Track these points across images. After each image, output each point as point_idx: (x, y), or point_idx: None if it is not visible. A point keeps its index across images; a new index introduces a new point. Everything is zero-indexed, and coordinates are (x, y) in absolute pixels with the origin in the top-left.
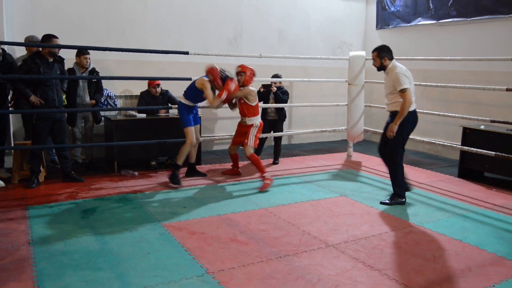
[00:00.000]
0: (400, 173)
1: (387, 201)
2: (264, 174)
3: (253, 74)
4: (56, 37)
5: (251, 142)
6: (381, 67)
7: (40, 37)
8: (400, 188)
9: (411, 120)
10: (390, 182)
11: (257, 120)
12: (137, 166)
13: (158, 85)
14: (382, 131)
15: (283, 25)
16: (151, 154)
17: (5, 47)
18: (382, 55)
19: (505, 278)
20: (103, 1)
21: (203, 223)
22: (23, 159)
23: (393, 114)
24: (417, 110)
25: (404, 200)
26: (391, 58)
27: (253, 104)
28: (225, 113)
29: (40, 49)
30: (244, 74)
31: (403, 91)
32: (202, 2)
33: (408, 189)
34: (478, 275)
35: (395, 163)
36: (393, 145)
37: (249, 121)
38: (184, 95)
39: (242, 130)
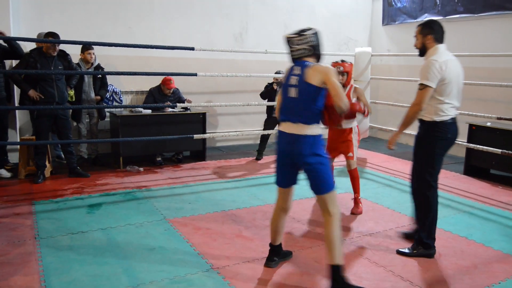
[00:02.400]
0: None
1: (406, 251)
2: (360, 196)
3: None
4: (52, 36)
5: (356, 154)
6: (422, 50)
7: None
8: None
9: (443, 133)
10: (396, 179)
11: (354, 122)
12: (143, 162)
13: (173, 88)
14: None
15: (288, 20)
16: (156, 150)
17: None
18: (426, 31)
19: (511, 275)
20: None
21: (208, 218)
22: (29, 154)
23: (422, 123)
24: None
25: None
26: (438, 40)
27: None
28: (228, 109)
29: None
30: (347, 74)
31: (421, 88)
32: None
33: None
34: (483, 273)
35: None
36: (423, 166)
37: (346, 124)
38: (308, 117)
39: (338, 137)
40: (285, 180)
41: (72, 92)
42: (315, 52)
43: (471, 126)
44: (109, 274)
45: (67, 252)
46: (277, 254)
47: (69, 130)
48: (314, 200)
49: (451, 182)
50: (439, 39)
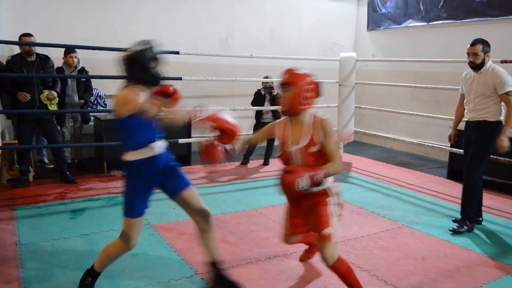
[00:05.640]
0: (476, 192)
1: (458, 228)
2: None
3: (314, 87)
4: (26, 36)
5: (335, 233)
6: (480, 65)
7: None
8: (471, 211)
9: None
10: (380, 183)
11: (327, 182)
12: None
13: None
14: (463, 149)
15: (275, 25)
16: None
17: None
18: (487, 50)
19: (492, 278)
20: (95, 0)
21: (192, 224)
22: (12, 159)
23: (480, 125)
24: (407, 112)
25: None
26: (489, 56)
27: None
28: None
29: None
30: (291, 86)
31: (510, 94)
32: (194, 0)
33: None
34: (466, 276)
35: (474, 179)
36: (479, 158)
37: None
38: (124, 143)
39: (304, 203)
40: None
41: (43, 95)
42: (133, 76)
43: None
44: None
45: (49, 259)
46: None
47: (56, 133)
48: None
49: (434, 186)
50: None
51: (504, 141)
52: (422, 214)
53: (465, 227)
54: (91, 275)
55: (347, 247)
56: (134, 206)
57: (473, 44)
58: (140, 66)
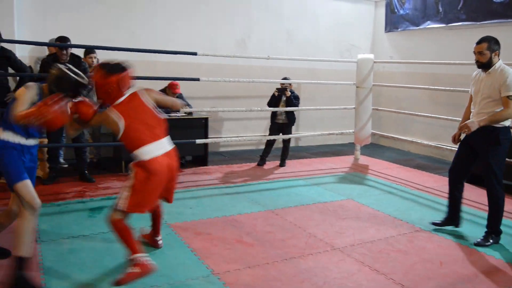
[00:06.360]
0: (502, 204)
1: (483, 242)
2: (136, 255)
3: (102, 79)
4: (61, 41)
5: (121, 201)
6: (487, 64)
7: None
8: (498, 224)
9: (508, 136)
10: (398, 186)
11: (141, 156)
12: None
13: (178, 93)
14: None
15: (291, 26)
16: None
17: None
18: (494, 48)
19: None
20: (113, 1)
21: (209, 224)
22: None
23: (486, 130)
24: (425, 114)
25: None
26: (499, 55)
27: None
28: (231, 114)
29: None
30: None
31: (511, 99)
32: (212, 2)
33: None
34: (485, 281)
35: (497, 191)
36: (495, 167)
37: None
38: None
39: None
40: None
41: None
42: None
43: None
44: (110, 278)
45: (68, 256)
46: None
47: (81, 133)
48: (315, 207)
49: None
50: (499, 54)
51: (472, 124)
52: (440, 217)
53: (491, 241)
54: (23, 265)
55: (364, 250)
56: (12, 174)
57: (479, 42)
58: (54, 85)
